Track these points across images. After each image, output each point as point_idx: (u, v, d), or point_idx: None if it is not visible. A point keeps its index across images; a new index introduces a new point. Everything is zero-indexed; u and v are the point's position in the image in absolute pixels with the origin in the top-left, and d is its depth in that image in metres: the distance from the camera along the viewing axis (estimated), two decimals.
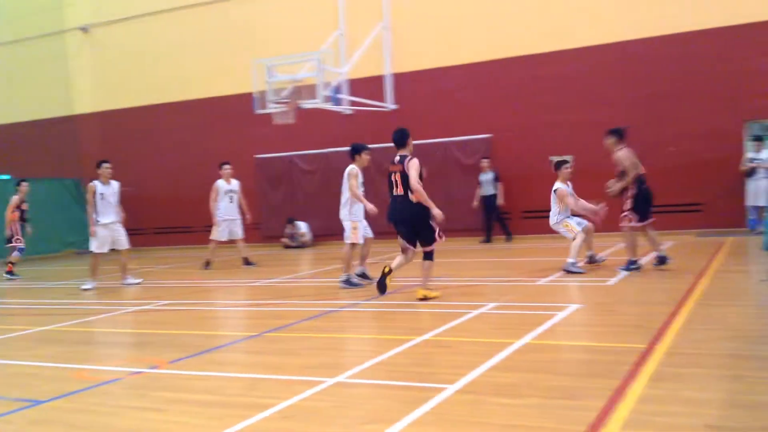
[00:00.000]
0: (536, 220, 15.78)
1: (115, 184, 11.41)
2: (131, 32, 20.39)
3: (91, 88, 21.37)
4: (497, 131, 16.08)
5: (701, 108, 14.27)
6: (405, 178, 8.08)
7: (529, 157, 15.64)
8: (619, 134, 9.58)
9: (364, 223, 9.86)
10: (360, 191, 9.53)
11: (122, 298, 10.23)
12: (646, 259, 9.80)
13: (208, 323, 8.22)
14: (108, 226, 11.20)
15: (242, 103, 17.08)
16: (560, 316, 6.60)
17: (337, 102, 15.38)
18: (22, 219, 14.33)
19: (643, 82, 14.74)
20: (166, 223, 20.14)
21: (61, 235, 20.18)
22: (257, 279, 11.41)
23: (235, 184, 13.46)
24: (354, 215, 9.71)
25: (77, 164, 21.13)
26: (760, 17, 13.34)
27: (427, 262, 8.24)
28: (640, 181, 9.34)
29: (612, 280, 8.70)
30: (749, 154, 13.71)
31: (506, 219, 15.75)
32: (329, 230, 17.63)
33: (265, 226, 18.65)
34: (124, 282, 11.49)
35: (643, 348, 5.14)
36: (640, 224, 9.27)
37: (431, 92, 16.76)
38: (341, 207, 9.84)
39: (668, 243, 12.71)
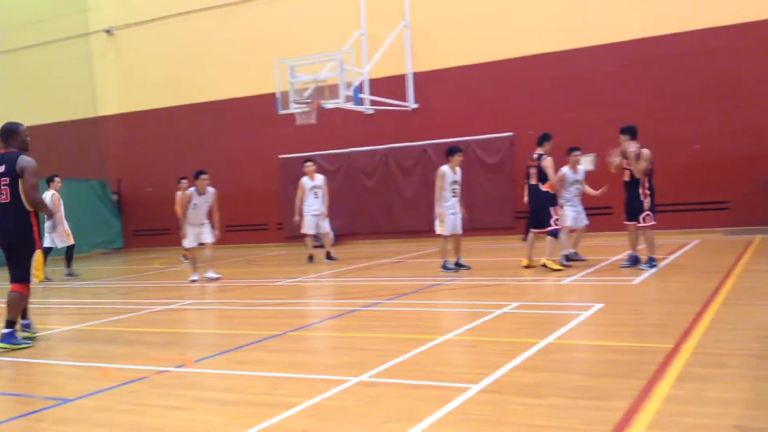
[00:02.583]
0: None
1: (210, 192, 11.50)
2: (154, 34, 20.60)
3: (116, 89, 21.63)
4: (519, 129, 16.00)
5: (728, 105, 14.08)
6: (539, 171, 10.09)
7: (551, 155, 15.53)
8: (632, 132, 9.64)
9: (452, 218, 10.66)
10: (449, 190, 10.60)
11: (148, 298, 10.33)
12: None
13: (232, 322, 8.28)
14: (195, 226, 11.54)
15: (265, 103, 17.18)
16: (584, 315, 6.56)
17: (359, 102, 15.40)
18: None
19: (667, 79, 14.57)
20: None
21: (89, 235, 20.41)
22: (281, 278, 11.47)
23: (319, 180, 13.58)
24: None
25: (102, 165, 21.44)
26: None
27: (549, 238, 9.98)
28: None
29: (636, 279, 8.62)
30: None
31: None
32: (352, 229, 17.71)
33: (289, 227, 18.73)
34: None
35: (669, 348, 5.08)
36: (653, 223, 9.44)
37: (452, 91, 16.73)
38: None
39: (694, 241, 12.60)
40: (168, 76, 20.37)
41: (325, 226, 13.68)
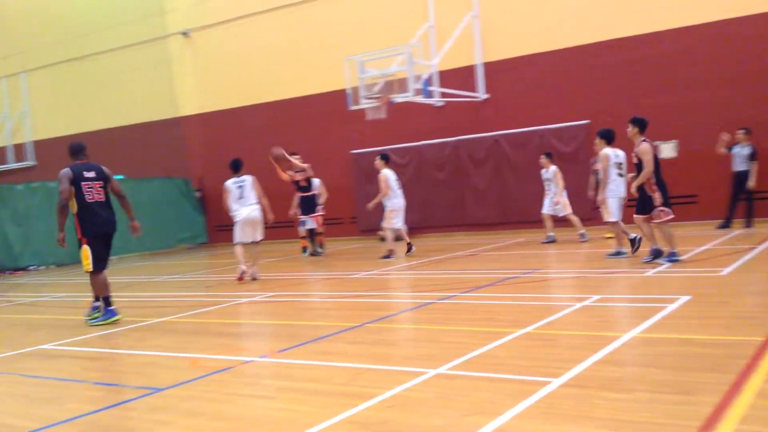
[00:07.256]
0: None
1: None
2: (228, 35, 21.12)
3: (194, 90, 22.31)
4: (594, 117, 15.60)
5: None
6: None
7: (629, 142, 15.09)
8: (642, 125, 9.44)
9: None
10: None
11: (232, 291, 10.65)
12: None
13: (312, 314, 8.46)
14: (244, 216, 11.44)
15: (336, 100, 17.37)
16: (670, 308, 6.37)
17: (429, 94, 15.37)
18: None
19: (749, 60, 13.90)
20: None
21: (174, 231, 21.21)
22: (356, 271, 11.60)
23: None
24: (612, 192, 10.15)
25: (184, 163, 22.18)
26: None
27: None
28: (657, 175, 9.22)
29: (725, 270, 8.30)
30: None
31: (753, 201, 13.62)
32: (423, 222, 17.71)
33: (362, 220, 18.92)
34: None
35: (760, 340, 4.89)
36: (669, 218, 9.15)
37: (523, 80, 16.48)
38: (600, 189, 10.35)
39: None
40: (242, 75, 20.86)
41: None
